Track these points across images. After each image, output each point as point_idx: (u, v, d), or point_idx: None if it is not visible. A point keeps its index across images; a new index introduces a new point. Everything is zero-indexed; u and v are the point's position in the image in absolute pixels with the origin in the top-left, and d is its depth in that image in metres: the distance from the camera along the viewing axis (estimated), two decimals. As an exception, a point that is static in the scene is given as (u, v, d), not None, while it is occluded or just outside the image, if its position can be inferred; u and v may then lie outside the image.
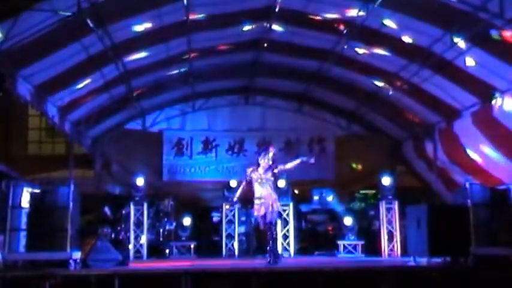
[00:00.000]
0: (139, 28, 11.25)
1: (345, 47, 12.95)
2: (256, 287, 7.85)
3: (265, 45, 13.77)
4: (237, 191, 10.94)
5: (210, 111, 17.59)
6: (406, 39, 11.68)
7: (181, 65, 14.21)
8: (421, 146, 15.71)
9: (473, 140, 12.87)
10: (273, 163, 10.25)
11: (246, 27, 12.58)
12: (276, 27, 12.77)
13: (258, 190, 10.15)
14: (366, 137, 17.71)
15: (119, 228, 14.44)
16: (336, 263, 11.04)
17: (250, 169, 10.34)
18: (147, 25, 11.23)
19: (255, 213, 10.38)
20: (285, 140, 17.59)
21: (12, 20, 8.70)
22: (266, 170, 10.17)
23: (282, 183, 14.09)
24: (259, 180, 10.17)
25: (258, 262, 10.84)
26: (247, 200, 11.43)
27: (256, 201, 10.20)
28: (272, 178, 10.25)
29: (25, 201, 9.71)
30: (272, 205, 10.12)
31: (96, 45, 11.03)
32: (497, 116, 11.53)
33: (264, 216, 10.13)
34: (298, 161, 10.48)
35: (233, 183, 14.43)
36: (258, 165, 10.24)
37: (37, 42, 9.43)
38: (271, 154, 10.26)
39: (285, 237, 14.51)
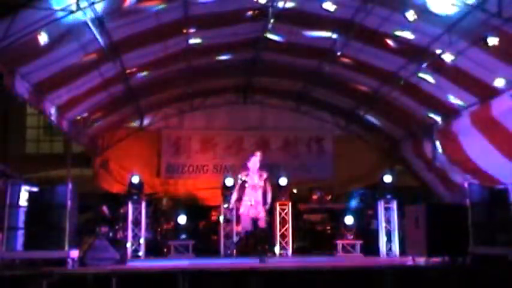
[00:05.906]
0: (137, 27, 11.22)
1: (344, 46, 12.94)
2: (254, 286, 7.84)
3: (264, 44, 13.75)
4: (232, 194, 11.12)
5: (208, 110, 17.56)
6: (405, 38, 11.67)
7: (179, 64, 14.18)
8: (420, 145, 15.70)
9: (472, 139, 12.86)
10: (260, 168, 10.59)
11: (245, 26, 12.56)
12: (274, 26, 12.75)
13: (251, 194, 10.42)
14: (364, 136, 17.71)
15: (116, 227, 14.41)
16: (334, 263, 11.02)
17: (245, 173, 10.58)
18: (145, 23, 11.20)
19: (241, 210, 10.94)
20: (283, 139, 17.60)
21: (10, 17, 8.68)
22: (258, 176, 10.47)
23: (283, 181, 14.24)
24: (253, 185, 10.46)
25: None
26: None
27: (247, 203, 10.66)
28: (262, 184, 10.59)
29: (23, 199, 9.69)
30: (262, 211, 10.64)
31: (94, 44, 11.00)
32: (496, 116, 11.53)
33: (254, 220, 10.66)
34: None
35: (229, 181, 14.33)
36: (248, 170, 10.52)
37: (35, 40, 9.40)
38: (257, 159, 10.55)
39: (283, 236, 14.47)
